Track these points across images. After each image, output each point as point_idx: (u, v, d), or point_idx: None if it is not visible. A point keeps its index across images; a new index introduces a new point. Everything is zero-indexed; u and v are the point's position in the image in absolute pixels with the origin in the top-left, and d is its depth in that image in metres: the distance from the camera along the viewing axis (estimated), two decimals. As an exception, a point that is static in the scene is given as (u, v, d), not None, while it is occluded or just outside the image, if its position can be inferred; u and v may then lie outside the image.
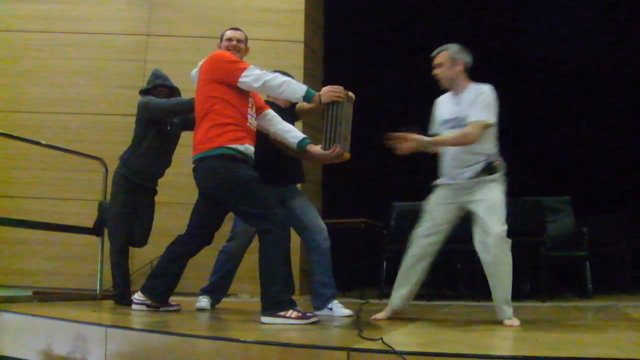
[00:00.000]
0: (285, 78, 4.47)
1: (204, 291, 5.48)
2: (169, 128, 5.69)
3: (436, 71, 4.60)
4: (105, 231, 6.12)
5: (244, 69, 4.43)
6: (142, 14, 8.62)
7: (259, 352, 3.10)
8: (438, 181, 4.63)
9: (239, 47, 4.90)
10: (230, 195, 4.38)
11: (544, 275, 6.94)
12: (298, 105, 5.28)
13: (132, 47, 8.55)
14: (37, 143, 6.49)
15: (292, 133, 4.79)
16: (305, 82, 4.63)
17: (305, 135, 4.78)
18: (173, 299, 5.13)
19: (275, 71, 4.62)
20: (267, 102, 5.05)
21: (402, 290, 4.62)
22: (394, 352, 2.75)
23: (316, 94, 4.46)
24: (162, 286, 4.91)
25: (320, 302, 5.05)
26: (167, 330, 3.63)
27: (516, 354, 2.74)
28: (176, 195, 7.08)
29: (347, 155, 4.61)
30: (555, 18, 9.71)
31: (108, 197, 6.27)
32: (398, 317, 4.62)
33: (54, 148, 6.83)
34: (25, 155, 8.11)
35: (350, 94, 4.57)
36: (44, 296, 5.95)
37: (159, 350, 3.44)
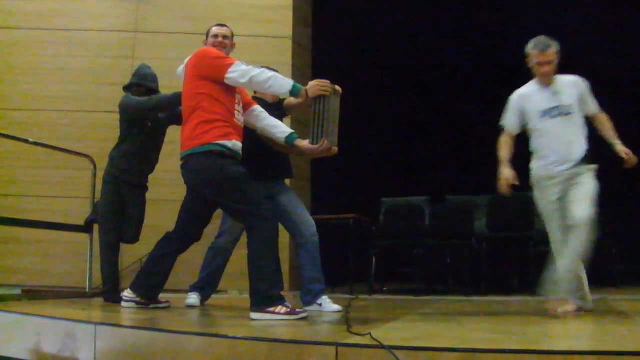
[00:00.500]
0: (272, 73, 4.46)
1: (194, 288, 5.47)
2: (149, 124, 5.67)
3: (547, 69, 4.65)
4: (96, 227, 6.12)
5: (230, 65, 4.42)
6: (130, 11, 8.61)
7: (248, 348, 3.10)
8: (545, 172, 4.66)
9: (225, 43, 4.88)
10: (218, 191, 4.38)
11: (532, 270, 6.96)
12: (286, 101, 5.28)
13: (120, 44, 8.53)
14: (25, 141, 6.47)
15: (279, 128, 4.79)
16: (293, 78, 4.61)
17: (292, 130, 4.78)
18: (162, 296, 5.12)
19: (262, 67, 4.62)
20: (254, 98, 5.05)
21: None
22: (383, 347, 2.76)
23: (303, 88, 4.45)
24: (152, 283, 4.90)
25: (310, 297, 5.06)
26: (157, 327, 3.64)
27: (504, 348, 2.75)
28: (165, 192, 7.08)
29: (335, 149, 4.62)
30: (544, 16, 9.74)
31: (97, 195, 6.26)
32: (387, 312, 4.62)
33: (42, 146, 6.81)
34: (13, 153, 8.08)
35: (337, 88, 4.57)
36: (33, 294, 5.93)
37: (148, 347, 3.43)
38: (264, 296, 4.14)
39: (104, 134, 7.58)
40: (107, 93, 8.17)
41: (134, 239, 5.83)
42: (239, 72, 4.40)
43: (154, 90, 5.76)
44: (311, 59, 9.29)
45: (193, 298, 5.38)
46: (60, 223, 6.61)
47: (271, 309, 4.09)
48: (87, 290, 6.33)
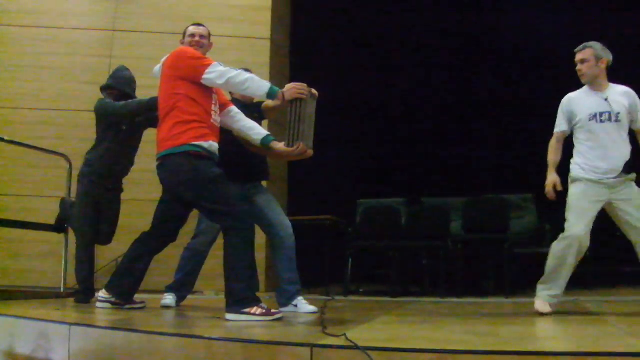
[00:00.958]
0: (249, 75, 4.46)
1: (169, 288, 5.46)
2: (124, 128, 5.64)
3: (580, 67, 4.73)
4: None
5: (207, 66, 4.42)
6: (108, 9, 8.57)
7: (223, 349, 3.10)
8: (589, 175, 4.66)
9: (202, 43, 4.87)
10: (194, 192, 4.37)
11: (507, 272, 7.02)
12: (264, 104, 5.29)
13: (98, 42, 8.49)
14: (0, 139, 6.41)
15: (255, 130, 4.79)
16: (271, 79, 4.65)
17: (268, 133, 4.79)
18: (138, 297, 5.10)
19: (240, 69, 4.61)
20: (233, 99, 5.05)
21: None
22: (357, 348, 2.78)
23: (280, 91, 4.46)
24: (127, 284, 4.88)
25: (285, 298, 5.06)
26: (132, 328, 3.62)
27: (477, 349, 2.78)
28: (141, 192, 7.05)
29: (310, 152, 4.63)
30: (528, 12, 9.80)
31: (72, 194, 6.23)
32: (362, 314, 4.63)
33: (18, 144, 6.76)
34: (-13, 151, 8.01)
35: (314, 91, 4.58)
36: (6, 294, 5.89)
37: (123, 348, 3.42)
38: (239, 297, 4.14)
39: (80, 133, 7.56)
40: (84, 91, 8.13)
41: (108, 239, 5.82)
42: (216, 73, 4.40)
43: (129, 95, 5.73)
44: (289, 60, 9.30)
45: (169, 299, 5.37)
46: (32, 222, 6.57)
47: (247, 310, 4.10)
48: (62, 290, 6.29)
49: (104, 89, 5.77)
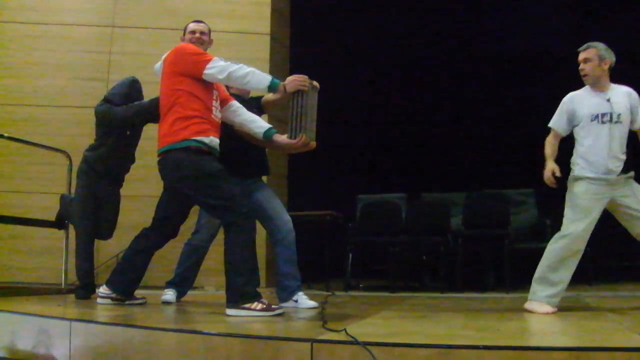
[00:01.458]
0: (249, 69, 4.46)
1: (170, 284, 5.46)
2: (128, 133, 5.64)
3: (582, 66, 4.72)
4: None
5: (208, 61, 4.42)
6: (107, 5, 8.53)
7: (223, 344, 3.11)
8: (591, 174, 4.65)
9: (203, 39, 4.88)
10: (195, 187, 4.38)
11: (507, 267, 7.02)
12: (264, 98, 5.29)
13: (97, 38, 8.46)
14: (0, 136, 6.41)
15: (257, 123, 4.80)
16: (271, 74, 4.62)
17: (270, 125, 4.79)
18: (138, 292, 5.11)
19: (240, 63, 4.61)
20: (232, 94, 5.04)
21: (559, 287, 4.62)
22: (357, 343, 2.78)
23: (281, 83, 4.48)
24: (127, 279, 4.90)
25: (286, 294, 5.07)
26: (132, 324, 3.63)
27: (477, 344, 2.78)
28: (141, 188, 7.04)
29: (313, 144, 4.64)
30: (528, 13, 9.80)
31: (72, 190, 6.23)
32: (362, 309, 4.64)
33: (17, 141, 6.76)
34: (-13, 148, 8.00)
35: (315, 83, 4.59)
36: (7, 291, 5.89)
37: (124, 344, 3.44)
38: (239, 292, 4.14)
39: (80, 129, 7.54)
40: (83, 88, 8.14)
41: (108, 234, 5.82)
42: (217, 68, 4.40)
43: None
44: (289, 55, 9.28)
45: (169, 294, 5.37)
46: (33, 218, 6.57)
47: (247, 305, 4.10)
48: (63, 286, 6.30)
49: (112, 104, 5.64)
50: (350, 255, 7.54)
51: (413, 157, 10.85)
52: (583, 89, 4.82)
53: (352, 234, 7.82)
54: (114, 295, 4.89)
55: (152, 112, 5.04)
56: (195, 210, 5.02)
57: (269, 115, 6.06)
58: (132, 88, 5.69)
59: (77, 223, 5.76)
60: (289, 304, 5.00)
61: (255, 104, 5.27)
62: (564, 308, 4.59)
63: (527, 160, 9.73)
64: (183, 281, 5.50)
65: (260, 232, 4.83)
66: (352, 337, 2.85)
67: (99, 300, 4.93)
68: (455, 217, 8.02)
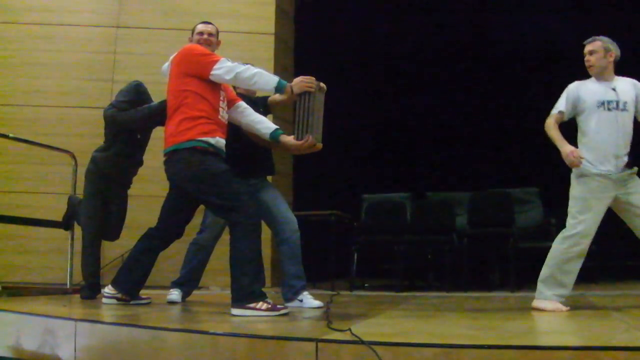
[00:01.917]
0: (257, 69, 4.47)
1: (175, 284, 5.47)
2: (139, 136, 5.64)
3: (588, 58, 4.76)
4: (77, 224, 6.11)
5: (215, 62, 4.43)
6: (111, 6, 8.54)
7: (228, 344, 3.11)
8: (593, 169, 4.64)
9: (210, 40, 4.89)
10: (200, 187, 4.38)
11: (512, 266, 7.02)
12: (270, 98, 5.29)
13: (101, 39, 8.47)
14: (5, 136, 6.41)
15: (264, 124, 4.80)
16: (275, 74, 4.62)
17: (277, 126, 4.79)
18: (144, 292, 5.12)
19: (247, 64, 4.61)
20: (238, 94, 5.05)
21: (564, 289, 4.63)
22: (362, 342, 2.78)
23: (288, 84, 4.48)
24: (133, 279, 4.90)
25: (291, 293, 5.07)
26: (137, 324, 3.62)
27: (482, 344, 2.78)
28: (147, 188, 7.03)
29: (320, 145, 4.64)
30: (530, 13, 9.79)
31: (77, 190, 6.24)
32: (367, 308, 4.64)
33: (23, 141, 6.77)
34: (-7, 149, 8.02)
35: (322, 84, 4.59)
36: (13, 291, 5.90)
37: (129, 344, 3.44)
38: (245, 292, 4.14)
39: (85, 130, 7.58)
40: (88, 88, 8.16)
41: (115, 235, 5.82)
42: (224, 68, 4.41)
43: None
44: (294, 55, 9.29)
45: (174, 294, 5.37)
46: (40, 219, 6.58)
47: (252, 305, 4.10)
48: (68, 286, 6.31)
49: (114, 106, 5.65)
50: (355, 254, 7.55)
51: (418, 156, 10.84)
52: (588, 79, 4.83)
53: (357, 234, 7.83)
54: (119, 295, 4.89)
55: (161, 114, 5.04)
56: (200, 210, 5.02)
57: (274, 116, 6.07)
58: (137, 93, 5.68)
59: (84, 224, 5.76)
60: (294, 303, 5.00)
61: (261, 104, 5.27)
62: (568, 307, 4.58)
63: (532, 159, 9.75)
64: (188, 281, 5.50)
65: (266, 232, 4.83)
66: (357, 337, 2.85)
67: (104, 300, 4.93)
68: (460, 217, 8.02)
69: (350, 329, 3.04)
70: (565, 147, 4.65)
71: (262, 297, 4.17)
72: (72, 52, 8.41)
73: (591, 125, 4.68)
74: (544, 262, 4.69)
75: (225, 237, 4.47)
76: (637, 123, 4.76)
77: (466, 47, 10.49)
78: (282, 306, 4.30)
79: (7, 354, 3.92)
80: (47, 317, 3.93)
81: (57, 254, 7.17)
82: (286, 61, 8.95)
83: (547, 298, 4.59)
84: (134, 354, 3.39)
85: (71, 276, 6.36)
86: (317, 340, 2.89)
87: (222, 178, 4.36)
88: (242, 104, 4.85)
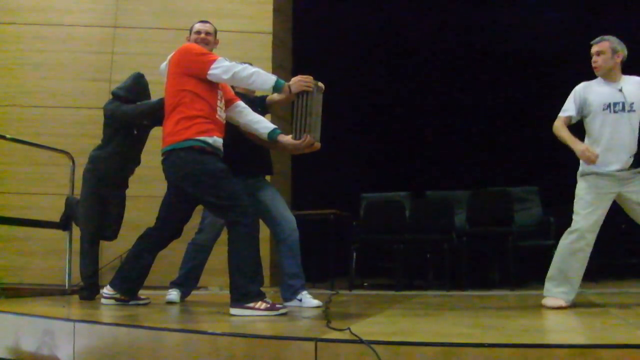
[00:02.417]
0: (255, 69, 4.46)
1: (174, 284, 5.46)
2: (135, 132, 5.64)
3: (595, 59, 4.73)
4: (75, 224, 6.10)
5: (213, 61, 4.42)
6: (109, 6, 8.54)
7: (227, 344, 3.10)
8: (598, 169, 4.64)
9: (208, 39, 4.88)
10: (198, 187, 4.37)
11: (512, 264, 7.01)
12: (268, 97, 5.28)
13: (99, 39, 8.47)
14: (2, 137, 6.41)
15: (262, 124, 4.80)
16: (273, 73, 4.62)
17: (275, 126, 4.78)
18: (142, 293, 5.12)
19: (245, 63, 4.61)
20: (237, 93, 5.04)
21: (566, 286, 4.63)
22: (362, 342, 2.77)
23: (286, 84, 4.46)
24: (131, 280, 4.89)
25: (290, 293, 5.06)
26: (136, 324, 3.62)
27: (482, 342, 2.77)
28: (145, 188, 7.03)
29: (318, 145, 4.63)
30: (529, 12, 9.79)
31: (75, 191, 6.23)
32: (367, 308, 4.63)
33: (20, 142, 6.76)
34: (-10, 149, 8.01)
35: (320, 84, 4.58)
36: (11, 292, 5.90)
37: (127, 344, 3.43)
38: (243, 292, 4.14)
39: (82, 130, 7.59)
40: (86, 88, 8.16)
41: (114, 235, 5.82)
42: (222, 68, 4.40)
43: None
44: (291, 53, 9.28)
45: (173, 294, 5.37)
46: (38, 220, 6.57)
47: (251, 305, 4.10)
48: (67, 287, 6.30)
49: (118, 99, 5.66)
50: (355, 253, 7.53)
51: (417, 155, 10.83)
52: (595, 80, 4.82)
53: (356, 233, 7.81)
54: (118, 295, 4.89)
55: (159, 112, 5.03)
56: (198, 210, 5.01)
57: (273, 114, 6.06)
58: (137, 82, 5.72)
59: (82, 224, 5.76)
60: (293, 303, 4.99)
61: (259, 104, 5.27)
62: (568, 304, 4.57)
63: (531, 157, 9.75)
64: (187, 281, 5.50)
65: (264, 231, 4.82)
66: (357, 336, 2.84)
67: (103, 300, 4.93)
68: (459, 215, 8.01)
69: (349, 329, 3.03)
70: (578, 145, 4.63)
71: (261, 296, 4.16)
72: (70, 52, 8.40)
73: (597, 127, 4.68)
74: (543, 260, 4.70)
75: (224, 237, 4.46)
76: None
77: (466, 46, 10.49)
78: (281, 306, 4.29)
79: (6, 355, 3.92)
80: (45, 318, 3.93)
81: (55, 255, 7.17)
82: (284, 60, 8.94)
83: (553, 295, 4.60)
84: (133, 355, 3.38)
85: (70, 277, 6.36)
86: (317, 340, 2.88)
87: (219, 178, 4.35)
88: (241, 103, 4.85)
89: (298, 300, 5.01)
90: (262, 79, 4.44)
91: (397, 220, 7.93)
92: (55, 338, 3.71)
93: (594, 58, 4.73)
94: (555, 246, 4.73)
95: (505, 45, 10.13)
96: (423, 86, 10.77)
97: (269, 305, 4.13)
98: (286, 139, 4.67)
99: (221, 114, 4.61)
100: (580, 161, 4.73)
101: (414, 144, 10.95)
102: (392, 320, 4.00)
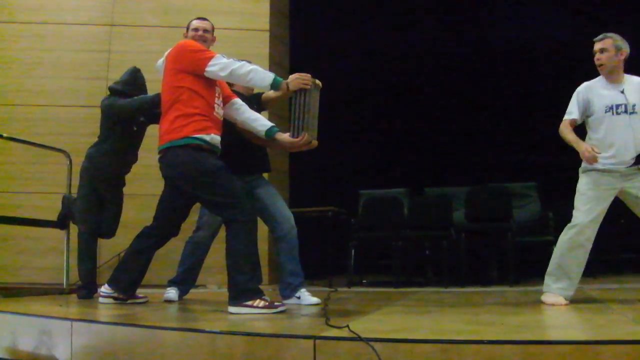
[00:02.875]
0: (252, 66, 4.45)
1: (172, 282, 5.45)
2: (135, 128, 5.63)
3: (599, 56, 4.71)
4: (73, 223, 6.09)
5: (210, 58, 4.41)
6: (106, 4, 8.51)
7: (226, 343, 3.10)
8: (601, 166, 4.62)
9: (206, 37, 4.87)
10: (196, 185, 4.36)
11: (511, 261, 7.01)
12: (264, 95, 5.27)
13: (96, 37, 8.43)
14: (-1, 136, 6.39)
15: (260, 121, 4.78)
16: (270, 70, 4.61)
17: (273, 124, 4.77)
18: (140, 291, 5.10)
19: (242, 60, 4.59)
20: (234, 91, 5.03)
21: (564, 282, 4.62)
22: (360, 339, 2.77)
23: (284, 81, 4.45)
24: (129, 278, 4.88)
25: (288, 291, 5.05)
26: (134, 323, 3.61)
27: (481, 339, 2.76)
28: (143, 186, 7.01)
29: (315, 142, 4.63)
30: (527, 5, 9.78)
31: (72, 189, 6.22)
32: (366, 305, 4.62)
33: (17, 141, 6.74)
34: (-14, 148, 7.98)
35: (318, 81, 4.58)
36: (9, 291, 5.88)
37: (125, 343, 3.42)
38: (242, 289, 4.13)
39: (79, 129, 7.56)
40: (82, 87, 8.13)
41: (111, 233, 5.81)
42: (219, 65, 4.38)
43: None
44: (289, 51, 9.27)
45: (171, 293, 5.36)
46: (35, 219, 6.55)
47: (249, 303, 4.09)
48: (65, 286, 6.28)
49: (116, 93, 5.66)
50: (353, 251, 7.52)
51: (415, 151, 10.81)
52: (597, 79, 4.80)
53: (354, 230, 7.80)
54: (115, 294, 4.88)
55: (155, 108, 5.02)
56: (196, 208, 5.00)
57: (269, 112, 6.04)
58: (134, 76, 5.72)
59: (80, 222, 5.76)
60: (292, 300, 4.98)
61: (255, 101, 5.25)
62: (568, 301, 4.57)
63: (530, 154, 9.74)
64: (185, 279, 5.49)
65: (262, 229, 4.82)
66: (355, 334, 2.83)
67: (101, 299, 4.92)
68: (458, 212, 8.00)
69: (348, 326, 3.02)
70: (581, 146, 4.61)
71: (259, 294, 4.16)
72: (66, 51, 8.37)
73: (598, 128, 4.68)
74: (542, 256, 4.69)
75: (222, 234, 4.45)
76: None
77: (465, 42, 10.47)
78: (279, 303, 4.29)
79: (4, 354, 3.91)
80: (43, 317, 3.92)
81: (52, 254, 7.14)
82: (281, 57, 8.92)
83: (552, 291, 4.59)
84: (131, 354, 3.37)
85: (67, 276, 6.34)
86: (315, 338, 2.87)
87: (217, 175, 4.34)
88: (238, 100, 4.83)
89: (297, 297, 5.00)
90: (260, 76, 4.43)
91: (395, 217, 7.92)
92: (52, 337, 3.70)
93: (597, 55, 4.70)
94: (554, 242, 4.74)
95: (503, 43, 10.11)
96: (421, 82, 10.76)
97: (267, 303, 4.13)
98: (283, 137, 4.66)
99: (219, 111, 4.60)
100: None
101: (412, 141, 10.93)
102: (390, 318, 4.00)
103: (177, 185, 4.53)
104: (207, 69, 4.39)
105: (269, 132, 4.70)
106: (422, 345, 2.75)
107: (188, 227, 5.17)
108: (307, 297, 5.00)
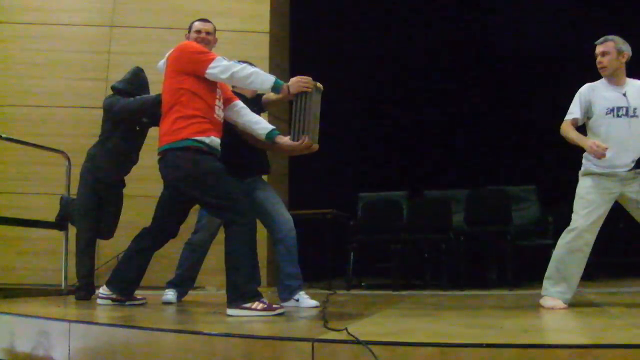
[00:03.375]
0: (253, 69, 4.44)
1: (170, 284, 5.44)
2: (137, 128, 5.63)
3: (600, 59, 4.69)
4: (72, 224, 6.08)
5: (211, 60, 4.40)
6: (106, 5, 8.53)
7: (224, 345, 3.09)
8: (600, 170, 4.62)
9: (208, 39, 4.86)
10: (195, 186, 4.36)
11: (510, 264, 7.00)
12: (265, 96, 5.27)
13: (96, 38, 8.44)
14: (-2, 136, 6.38)
15: (260, 124, 4.78)
16: (271, 72, 4.61)
17: (274, 127, 4.76)
18: (139, 293, 5.10)
19: (243, 62, 4.59)
20: (235, 93, 5.02)
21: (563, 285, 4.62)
22: (359, 342, 2.76)
23: (285, 84, 4.44)
24: (128, 280, 4.88)
25: (287, 293, 5.05)
26: (132, 325, 3.61)
27: (480, 342, 2.75)
28: (143, 187, 6.99)
29: (316, 146, 4.62)
30: (525, 7, 9.77)
31: (71, 190, 6.21)
32: (364, 308, 4.62)
33: (15, 141, 6.73)
34: (-15, 149, 7.98)
35: (319, 84, 4.57)
36: (7, 292, 5.87)
37: (123, 345, 3.41)
38: (240, 292, 4.12)
39: (79, 130, 7.57)
40: (82, 88, 8.14)
41: (110, 234, 5.81)
42: (220, 67, 4.38)
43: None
44: (289, 53, 9.27)
45: (170, 294, 5.35)
46: (33, 220, 6.54)
47: (248, 305, 4.08)
48: (63, 287, 6.27)
49: (118, 92, 5.65)
50: (352, 253, 7.52)
51: (414, 154, 10.82)
52: (599, 81, 4.79)
53: (353, 233, 7.80)
54: (114, 295, 4.87)
55: (156, 108, 5.00)
56: (195, 210, 4.99)
57: (269, 114, 6.04)
58: (137, 76, 5.72)
59: (78, 223, 5.75)
60: (290, 303, 4.98)
61: (255, 103, 5.25)
62: (566, 305, 4.56)
63: (529, 157, 9.74)
64: (184, 281, 5.48)
65: (261, 231, 4.81)
66: (354, 337, 2.82)
67: (99, 301, 4.92)
68: (457, 214, 8.00)
69: (346, 329, 3.01)
70: (586, 142, 4.58)
71: (257, 296, 4.15)
72: (67, 52, 8.38)
73: (600, 131, 4.66)
74: (541, 259, 4.68)
75: (221, 236, 4.44)
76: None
77: (464, 45, 10.47)
78: (278, 306, 4.28)
79: (1, 356, 3.90)
80: (41, 318, 3.91)
81: (51, 255, 7.13)
82: (281, 59, 8.93)
83: (550, 295, 4.59)
84: (129, 355, 3.37)
85: (66, 277, 6.32)
86: (314, 340, 2.86)
87: (216, 177, 4.33)
88: (239, 103, 4.83)
89: (295, 300, 5.00)
90: (261, 79, 4.42)
91: (394, 220, 7.92)
92: (50, 338, 3.69)
93: (599, 59, 4.69)
94: (553, 246, 4.74)
95: (503, 48, 10.10)
96: (420, 86, 10.76)
97: (265, 306, 4.11)
98: (284, 140, 4.66)
99: (219, 113, 4.59)
100: (583, 160, 4.72)
101: (411, 143, 10.94)
102: (389, 321, 3.99)
103: (176, 187, 4.53)
104: (208, 71, 4.38)
105: (270, 135, 4.69)
106: (421, 348, 2.74)
107: (187, 228, 5.17)
108: (305, 299, 4.99)
